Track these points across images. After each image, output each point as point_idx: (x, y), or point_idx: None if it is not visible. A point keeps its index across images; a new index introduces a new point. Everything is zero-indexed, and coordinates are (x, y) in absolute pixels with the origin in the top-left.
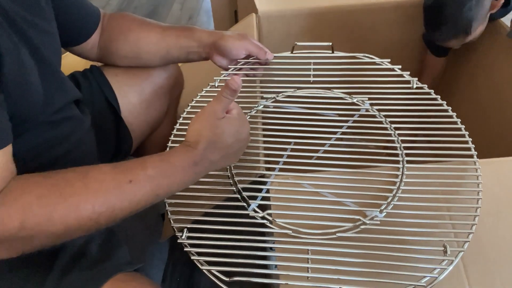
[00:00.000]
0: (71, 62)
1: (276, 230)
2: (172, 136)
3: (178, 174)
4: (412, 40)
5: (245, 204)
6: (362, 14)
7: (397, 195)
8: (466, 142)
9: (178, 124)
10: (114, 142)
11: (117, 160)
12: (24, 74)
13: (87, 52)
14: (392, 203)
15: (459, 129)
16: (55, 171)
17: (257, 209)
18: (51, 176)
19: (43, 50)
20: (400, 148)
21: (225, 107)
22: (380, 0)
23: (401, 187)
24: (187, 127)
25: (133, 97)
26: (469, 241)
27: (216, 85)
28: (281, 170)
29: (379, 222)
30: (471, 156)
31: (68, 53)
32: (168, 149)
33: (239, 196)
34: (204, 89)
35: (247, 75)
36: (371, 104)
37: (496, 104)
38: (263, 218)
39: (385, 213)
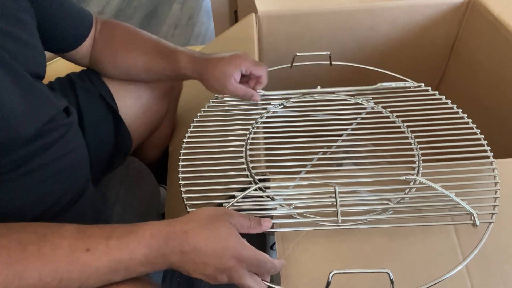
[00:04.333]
0: (68, 63)
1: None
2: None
3: (142, 248)
4: (412, 41)
5: (268, 198)
6: (362, 14)
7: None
8: (479, 139)
9: (186, 138)
10: (113, 142)
11: (116, 159)
12: None
13: (79, 59)
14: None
15: (471, 128)
16: (14, 226)
17: (283, 204)
18: (5, 236)
19: (16, 64)
20: (415, 145)
21: (242, 226)
22: (380, 0)
23: (420, 172)
24: (195, 139)
25: (130, 101)
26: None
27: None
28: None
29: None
30: (487, 157)
31: None
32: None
33: (255, 186)
34: (208, 102)
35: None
36: (377, 103)
37: (499, 103)
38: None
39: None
